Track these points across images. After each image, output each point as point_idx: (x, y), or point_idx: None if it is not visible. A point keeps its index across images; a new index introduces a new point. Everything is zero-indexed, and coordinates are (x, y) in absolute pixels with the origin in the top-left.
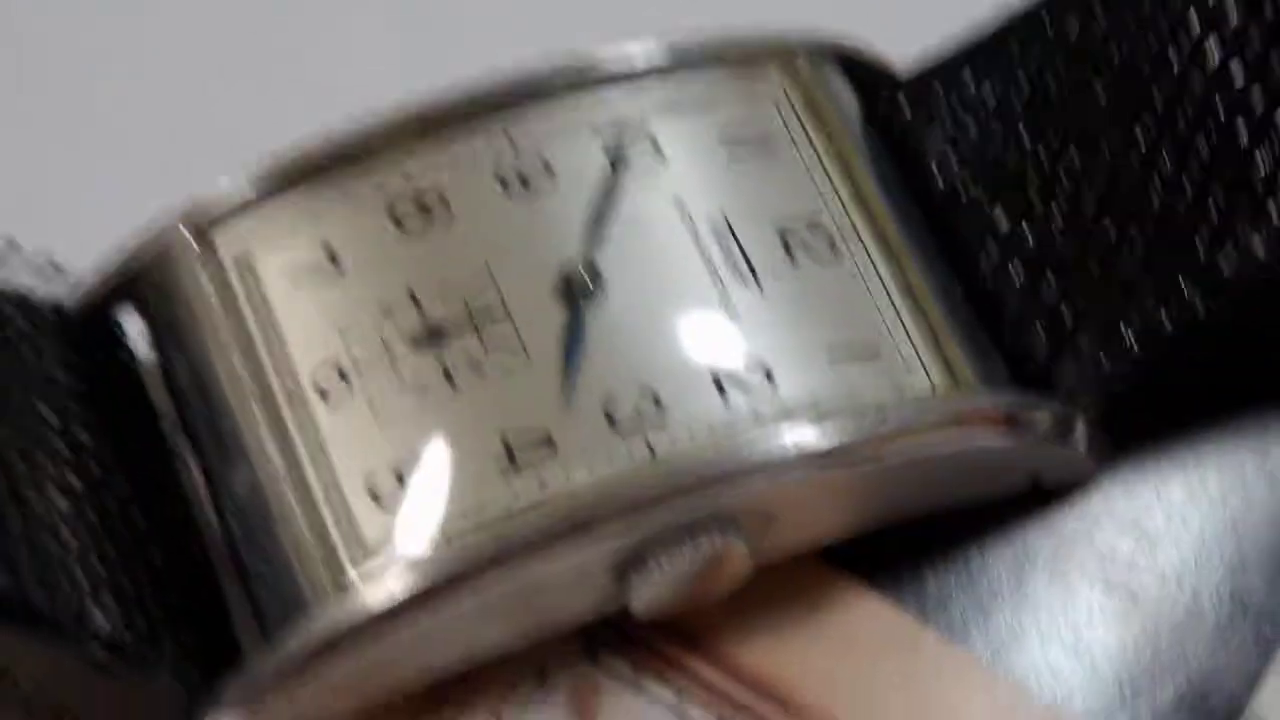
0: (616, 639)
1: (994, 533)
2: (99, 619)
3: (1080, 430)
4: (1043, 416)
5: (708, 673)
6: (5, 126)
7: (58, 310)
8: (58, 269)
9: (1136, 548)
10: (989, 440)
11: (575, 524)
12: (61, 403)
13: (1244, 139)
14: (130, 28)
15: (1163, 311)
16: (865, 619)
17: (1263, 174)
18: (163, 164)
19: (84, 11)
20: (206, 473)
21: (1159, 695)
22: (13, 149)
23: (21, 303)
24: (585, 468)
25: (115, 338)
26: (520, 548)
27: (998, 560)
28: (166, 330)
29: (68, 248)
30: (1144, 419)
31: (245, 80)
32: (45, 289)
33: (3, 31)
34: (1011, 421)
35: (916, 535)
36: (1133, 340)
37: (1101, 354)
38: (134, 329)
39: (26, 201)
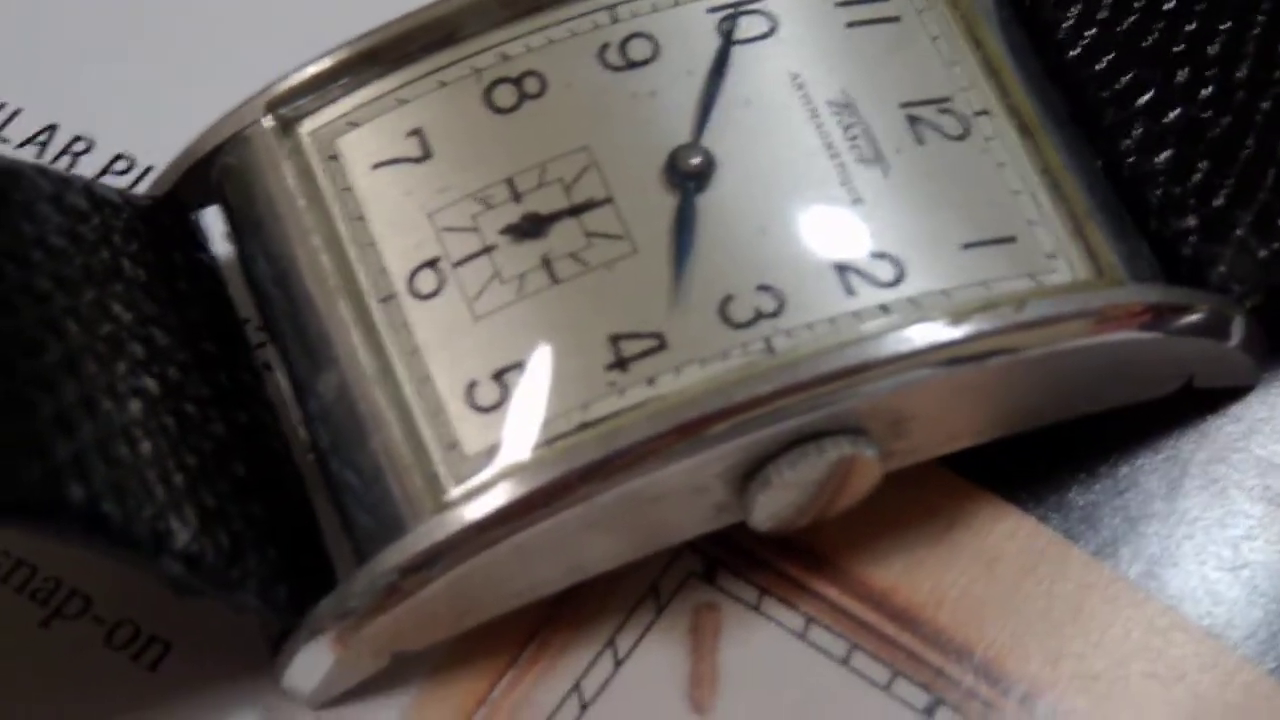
0: (738, 561)
1: (1144, 442)
2: (177, 532)
3: (1236, 325)
4: (1193, 309)
5: (836, 596)
6: (82, 22)
7: (131, 202)
8: (132, 163)
9: None
10: (1134, 335)
11: (686, 425)
12: (136, 301)
13: None
14: None
15: None
16: (1006, 537)
17: None
18: (250, 56)
19: None
20: (292, 376)
21: None
22: (91, 45)
23: (90, 194)
24: (698, 365)
25: (192, 232)
26: (628, 451)
27: (1149, 472)
28: (246, 223)
29: (147, 147)
30: None
31: None
32: (120, 184)
33: None
34: (1159, 314)
35: (1060, 446)
36: None
37: (1257, 239)
38: (213, 222)
39: (104, 100)
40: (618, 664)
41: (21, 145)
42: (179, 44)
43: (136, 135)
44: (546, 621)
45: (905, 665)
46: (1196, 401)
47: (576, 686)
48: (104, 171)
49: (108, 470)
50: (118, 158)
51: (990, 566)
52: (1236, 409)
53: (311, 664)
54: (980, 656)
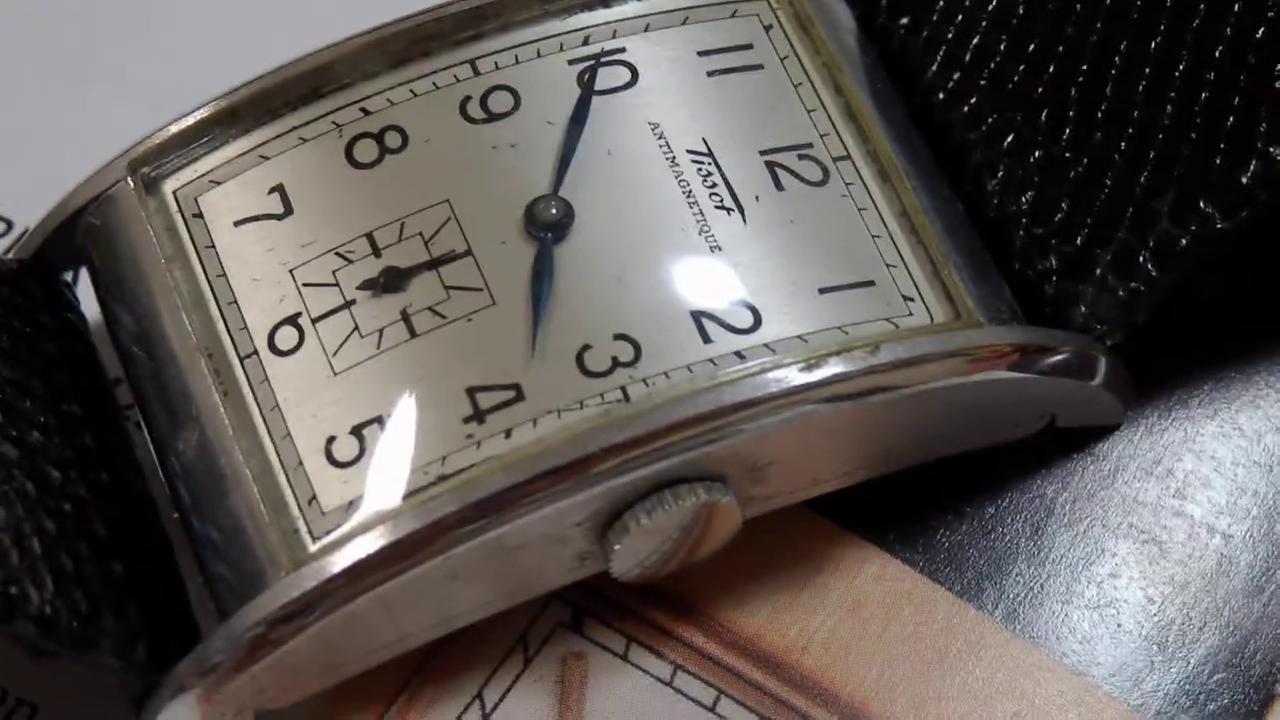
0: (605, 610)
1: (1011, 483)
2: (31, 596)
3: (1099, 364)
4: (1053, 349)
5: (702, 642)
6: None
7: None
8: (10, 226)
9: (1163, 492)
10: (993, 376)
11: (540, 476)
12: None
13: (1263, 45)
14: None
15: (1180, 230)
16: (873, 579)
17: None
18: (131, 115)
19: None
20: (153, 435)
21: (1192, 652)
22: None
23: None
24: (554, 415)
25: (62, 294)
26: (483, 503)
27: (1015, 512)
28: (111, 283)
29: (27, 209)
30: (1168, 357)
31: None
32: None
33: None
34: (1018, 355)
35: (926, 488)
36: (1149, 262)
37: (1116, 278)
38: (81, 283)
39: None
40: (485, 716)
41: None
42: (56, 104)
43: (16, 198)
44: (416, 674)
45: (772, 710)
46: (1063, 441)
47: None
48: None
49: None
50: None
51: (856, 609)
52: (1102, 448)
53: None
54: (846, 700)
